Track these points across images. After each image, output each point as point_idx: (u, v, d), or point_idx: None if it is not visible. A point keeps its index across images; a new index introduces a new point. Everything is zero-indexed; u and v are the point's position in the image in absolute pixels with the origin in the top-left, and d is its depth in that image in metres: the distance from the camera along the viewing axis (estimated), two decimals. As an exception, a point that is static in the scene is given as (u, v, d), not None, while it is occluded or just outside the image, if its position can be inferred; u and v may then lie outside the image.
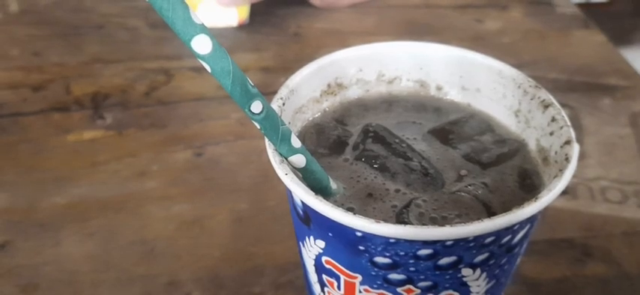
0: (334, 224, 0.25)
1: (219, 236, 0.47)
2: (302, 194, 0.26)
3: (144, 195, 0.50)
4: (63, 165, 0.52)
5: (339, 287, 0.29)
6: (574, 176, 0.27)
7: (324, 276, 0.30)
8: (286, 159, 0.28)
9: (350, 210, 0.29)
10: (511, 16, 0.76)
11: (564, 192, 0.34)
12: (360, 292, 0.28)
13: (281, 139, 0.27)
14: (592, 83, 0.64)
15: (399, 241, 0.25)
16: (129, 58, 0.65)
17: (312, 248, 0.29)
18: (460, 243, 0.25)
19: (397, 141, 0.32)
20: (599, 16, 0.83)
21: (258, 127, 0.26)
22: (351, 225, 0.25)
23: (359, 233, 0.25)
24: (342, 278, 0.28)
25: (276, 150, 0.28)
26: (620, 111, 0.59)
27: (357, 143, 0.32)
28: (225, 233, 0.47)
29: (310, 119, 0.34)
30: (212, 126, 0.56)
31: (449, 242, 0.25)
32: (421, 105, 0.35)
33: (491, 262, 0.27)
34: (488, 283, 0.29)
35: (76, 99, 0.59)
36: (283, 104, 0.31)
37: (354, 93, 0.35)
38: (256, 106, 0.25)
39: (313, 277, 0.31)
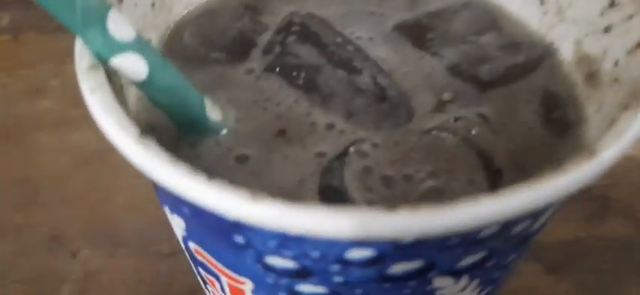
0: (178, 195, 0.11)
1: (126, 176, 0.33)
2: (113, 130, 0.12)
3: (34, 119, 0.36)
4: None
5: (223, 291, 0.16)
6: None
7: (201, 270, 0.16)
8: (106, 62, 0.13)
9: (242, 159, 0.15)
10: None
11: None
12: (255, 303, 0.15)
13: (84, 20, 0.12)
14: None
15: (304, 237, 0.11)
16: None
17: (174, 226, 0.16)
18: (431, 241, 0.12)
19: (340, 41, 0.18)
20: None
21: (30, -5, 0.12)
22: (204, 204, 0.11)
23: (229, 217, 0.12)
24: (224, 280, 0.15)
25: (85, 44, 0.13)
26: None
27: (273, 42, 0.18)
28: (134, 172, 0.33)
29: (200, 2, 0.19)
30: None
31: (407, 240, 0.11)
32: (386, -14, 0.20)
33: (490, 264, 0.14)
34: (480, 292, 0.15)
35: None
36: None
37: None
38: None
39: (192, 264, 0.18)
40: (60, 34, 0.41)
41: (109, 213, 0.31)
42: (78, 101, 0.39)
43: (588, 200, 0.33)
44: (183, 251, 0.30)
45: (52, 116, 0.36)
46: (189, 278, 0.29)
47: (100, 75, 0.13)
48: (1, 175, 0.33)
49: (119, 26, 0.13)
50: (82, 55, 0.13)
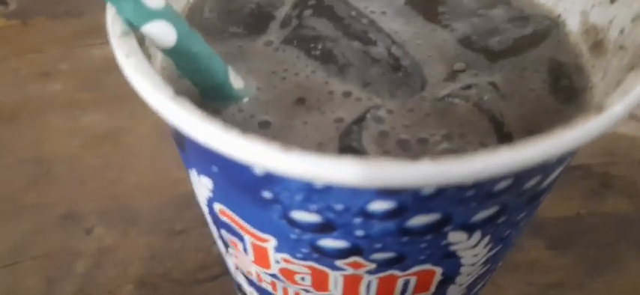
0: (213, 151, 0.12)
1: (137, 155, 0.34)
2: (149, 90, 0.13)
3: (45, 101, 0.36)
4: (-53, 62, 0.38)
5: (245, 251, 0.17)
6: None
7: (224, 232, 0.17)
8: (138, 29, 0.14)
9: (264, 124, 0.16)
10: None
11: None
12: (277, 262, 0.16)
13: (118, -12, 0.13)
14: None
15: (331, 187, 0.12)
16: None
17: (199, 188, 0.16)
18: (449, 192, 0.12)
19: (354, 14, 0.18)
20: None
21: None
22: (237, 156, 0.12)
23: (258, 171, 0.12)
24: (247, 238, 0.16)
25: (117, 12, 0.14)
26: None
27: (290, 16, 0.19)
28: (145, 152, 0.34)
29: (216, -22, 0.20)
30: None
31: (428, 191, 0.12)
32: (397, -38, 0.21)
33: (501, 220, 0.14)
34: (490, 250, 0.16)
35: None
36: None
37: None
38: None
39: (213, 229, 0.18)
40: (68, 18, 0.42)
41: (122, 192, 0.32)
42: (87, 84, 0.40)
43: (589, 177, 0.34)
44: (195, 227, 0.31)
45: (63, 98, 0.36)
46: (201, 255, 0.30)
47: (133, 41, 0.14)
48: (15, 155, 0.33)
49: (151, -6, 0.14)
50: (114, 22, 0.14)
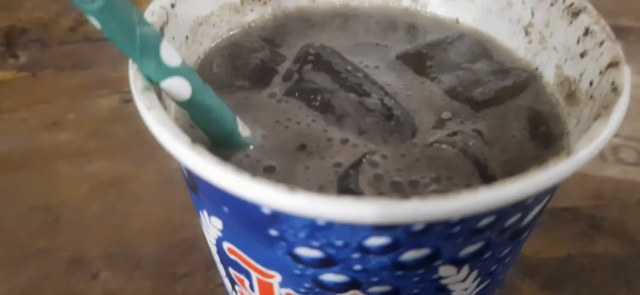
0: (225, 193, 0.14)
1: (142, 202, 0.35)
2: (169, 139, 0.14)
3: (54, 150, 0.38)
4: (-41, 112, 0.40)
5: (252, 288, 0.18)
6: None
7: (231, 270, 0.18)
8: (158, 84, 0.16)
9: (269, 169, 0.17)
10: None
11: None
12: (281, 297, 0.17)
13: (141, 49, 0.15)
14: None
15: (332, 224, 0.14)
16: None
17: (209, 228, 0.18)
18: (437, 228, 0.14)
19: (349, 68, 0.20)
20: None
21: (99, 27, 0.14)
22: (248, 197, 0.13)
23: (266, 210, 0.14)
24: (254, 275, 0.17)
25: (139, 69, 0.16)
26: (633, 56, 0.47)
27: (291, 71, 0.21)
28: (150, 198, 0.35)
29: (225, 36, 0.22)
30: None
31: (418, 227, 0.14)
32: (390, 21, 0.23)
33: (487, 255, 0.16)
34: (479, 284, 0.17)
35: (-12, 35, 0.47)
36: (172, 5, 0.19)
37: (293, 0, 0.23)
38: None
39: (220, 268, 0.20)
40: (76, 70, 0.44)
41: (127, 237, 0.33)
42: (94, 133, 0.42)
43: (579, 219, 0.35)
44: (198, 271, 0.32)
45: (71, 147, 0.38)
46: (203, 298, 0.31)
47: (153, 96, 0.15)
48: (24, 202, 0.35)
49: (169, 53, 0.15)
50: (136, 79, 0.16)
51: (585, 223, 0.35)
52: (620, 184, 0.38)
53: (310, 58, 0.21)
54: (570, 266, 0.33)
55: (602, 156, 0.40)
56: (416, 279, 0.16)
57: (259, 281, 0.17)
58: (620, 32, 0.52)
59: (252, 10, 0.22)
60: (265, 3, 0.22)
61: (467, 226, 0.14)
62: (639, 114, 0.42)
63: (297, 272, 0.16)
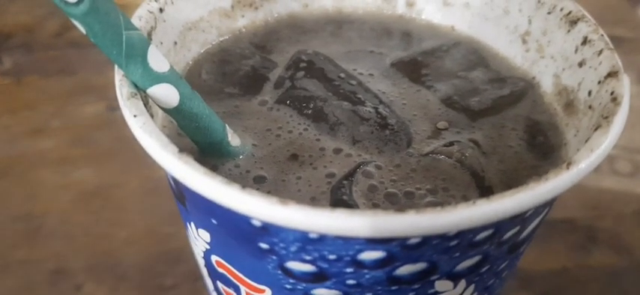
0: (214, 205, 0.13)
1: (127, 211, 0.34)
2: (156, 148, 0.14)
3: (37, 157, 0.37)
4: (-60, 119, 0.39)
5: (241, 303, 0.17)
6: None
7: (219, 284, 0.18)
8: (144, 91, 0.16)
9: (259, 179, 0.17)
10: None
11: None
12: (271, 312, 0.17)
13: (128, 55, 0.15)
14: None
15: (324, 237, 0.13)
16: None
17: (197, 241, 0.17)
18: (433, 241, 0.14)
19: (343, 75, 0.20)
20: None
21: (84, 31, 0.14)
22: (238, 208, 0.13)
23: (256, 223, 0.14)
24: (243, 289, 0.17)
25: (125, 75, 0.16)
26: (627, 66, 0.47)
27: (283, 78, 0.20)
28: (135, 207, 0.35)
29: (215, 42, 0.22)
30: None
31: (414, 240, 0.13)
32: (384, 27, 0.23)
33: (484, 269, 0.16)
34: (477, 299, 0.17)
35: (-28, 40, 0.46)
36: (160, 10, 0.18)
37: (285, 6, 0.23)
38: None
39: (208, 282, 0.19)
40: (61, 77, 0.43)
41: (112, 247, 0.32)
42: (78, 141, 0.41)
43: (575, 231, 0.35)
44: (185, 282, 0.31)
45: (54, 155, 0.37)
46: (190, 311, 0.30)
47: (140, 103, 0.15)
48: (5, 211, 0.34)
49: (157, 59, 0.15)
50: (122, 85, 0.15)
51: (581, 234, 0.35)
52: (615, 195, 0.38)
53: (302, 64, 0.20)
54: (566, 277, 0.33)
55: (597, 167, 0.40)
56: (411, 294, 0.15)
57: (249, 296, 0.17)
58: (614, 42, 0.53)
59: (242, 16, 0.22)
60: (256, 8, 0.22)
61: (464, 239, 0.14)
62: (634, 125, 0.43)
63: (288, 286, 0.15)
